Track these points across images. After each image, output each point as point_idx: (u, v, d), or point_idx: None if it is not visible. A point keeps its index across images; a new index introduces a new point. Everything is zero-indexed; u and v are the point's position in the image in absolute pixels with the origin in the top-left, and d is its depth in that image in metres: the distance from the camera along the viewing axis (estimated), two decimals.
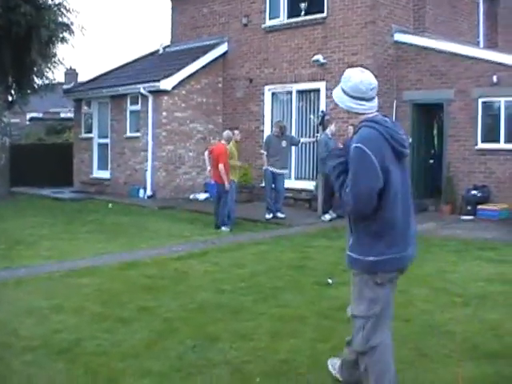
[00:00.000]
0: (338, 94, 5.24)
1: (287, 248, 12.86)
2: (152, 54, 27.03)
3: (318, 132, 18.55)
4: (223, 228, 15.45)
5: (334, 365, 5.68)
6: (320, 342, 6.80)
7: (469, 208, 17.29)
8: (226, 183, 15.33)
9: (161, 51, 26.36)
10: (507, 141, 17.60)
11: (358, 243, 4.90)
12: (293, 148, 19.59)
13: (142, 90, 21.75)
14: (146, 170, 21.95)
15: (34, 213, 18.43)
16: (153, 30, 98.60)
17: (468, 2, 23.25)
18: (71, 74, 44.94)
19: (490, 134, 17.97)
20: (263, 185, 18.56)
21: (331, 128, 17.11)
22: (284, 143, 17.29)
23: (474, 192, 17.49)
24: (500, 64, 17.68)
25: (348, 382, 5.44)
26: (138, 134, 22.53)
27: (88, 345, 6.67)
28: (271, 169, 17.32)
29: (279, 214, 17.26)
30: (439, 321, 7.59)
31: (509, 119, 17.64)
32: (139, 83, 22.13)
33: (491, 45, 23.98)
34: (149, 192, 21.76)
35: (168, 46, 26.07)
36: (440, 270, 10.64)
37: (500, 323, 7.50)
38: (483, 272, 10.42)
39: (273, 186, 17.42)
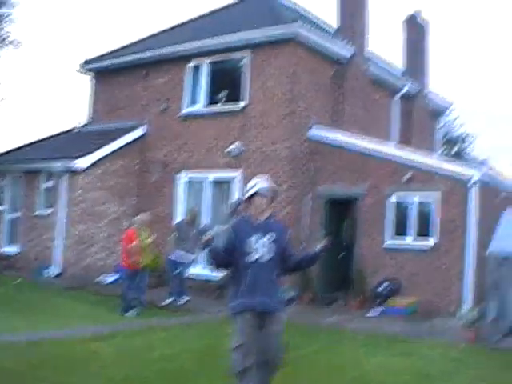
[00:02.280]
0: None
1: (195, 333, 12.77)
2: (69, 131, 26.83)
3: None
4: (130, 312, 15.27)
5: None
6: None
7: (378, 302, 17.45)
8: (135, 260, 15.32)
9: (78, 129, 26.24)
10: (417, 237, 17.98)
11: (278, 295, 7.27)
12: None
13: (57, 168, 21.51)
14: (56, 248, 21.54)
15: None
16: (73, 107, 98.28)
17: (384, 100, 24.02)
18: None
19: (401, 230, 18.32)
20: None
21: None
22: (194, 231, 17.28)
23: (383, 286, 17.69)
24: (412, 162, 18.19)
25: None
26: (50, 211, 22.13)
27: None
28: (173, 258, 17.32)
29: (182, 298, 17.22)
30: None
31: (419, 216, 18.05)
32: (54, 160, 21.88)
33: (405, 143, 24.63)
34: (58, 270, 21.30)
35: (86, 125, 25.98)
36: (349, 362, 10.69)
37: None
38: (391, 364, 10.51)
39: (177, 270, 17.36)
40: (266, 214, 7.23)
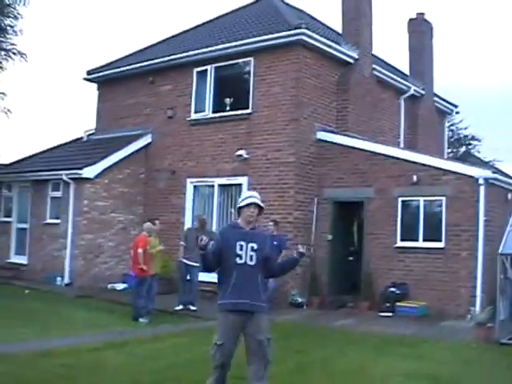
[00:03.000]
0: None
1: (205, 341, 12.69)
2: (76, 140, 26.94)
3: None
4: (141, 320, 15.25)
5: None
6: None
7: (387, 305, 17.40)
8: (145, 267, 15.29)
9: (85, 138, 26.31)
10: (425, 239, 17.92)
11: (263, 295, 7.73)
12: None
13: (64, 177, 21.58)
14: (65, 258, 21.59)
15: None
16: (79, 117, 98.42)
17: (390, 102, 23.99)
18: None
19: (409, 233, 18.28)
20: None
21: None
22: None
23: (392, 289, 17.66)
24: (419, 164, 18.15)
25: None
26: (57, 221, 22.22)
27: None
28: (185, 261, 17.27)
29: (191, 307, 17.17)
30: None
31: (427, 218, 18.01)
32: (62, 169, 21.98)
33: (411, 144, 24.64)
34: (67, 280, 21.36)
35: (92, 134, 26.05)
36: (360, 365, 10.68)
37: None
38: (402, 368, 10.47)
39: (188, 277, 17.33)
40: (252, 224, 7.79)
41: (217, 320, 7.66)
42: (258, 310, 7.61)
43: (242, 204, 7.84)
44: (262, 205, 7.86)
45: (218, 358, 7.44)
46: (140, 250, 15.34)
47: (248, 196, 7.94)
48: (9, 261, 24.31)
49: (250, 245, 7.59)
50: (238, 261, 7.55)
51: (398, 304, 17.34)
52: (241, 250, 7.57)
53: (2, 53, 22.69)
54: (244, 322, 7.50)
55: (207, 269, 7.90)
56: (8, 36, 22.84)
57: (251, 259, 7.58)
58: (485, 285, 16.62)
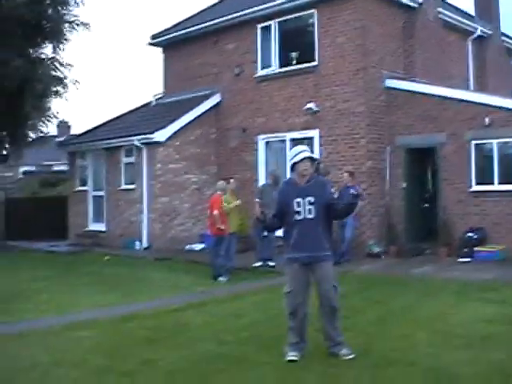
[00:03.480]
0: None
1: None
2: (145, 105, 27.17)
3: None
4: (220, 278, 15.39)
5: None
6: None
7: (466, 250, 17.26)
8: (223, 226, 15.40)
9: (154, 103, 26.53)
10: (501, 182, 17.67)
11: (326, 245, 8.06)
12: None
13: (136, 142, 21.86)
14: (142, 222, 21.94)
15: (30, 266, 18.39)
16: (146, 82, 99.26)
17: (457, 45, 23.57)
18: (64, 126, 45.22)
19: (484, 176, 18.05)
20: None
21: (329, 176, 17.11)
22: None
23: (470, 234, 17.51)
24: (491, 106, 17.84)
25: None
26: (132, 186, 22.55)
27: None
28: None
29: (269, 263, 17.24)
30: (444, 363, 7.54)
31: (502, 160, 17.74)
32: (133, 135, 22.25)
33: (481, 87, 24.24)
34: (145, 244, 21.74)
35: (161, 98, 26.25)
36: (441, 312, 10.62)
37: (506, 364, 7.47)
38: (484, 313, 10.39)
39: (265, 233, 17.41)
40: (307, 177, 8.12)
41: (285, 272, 8.31)
42: (321, 260, 7.99)
43: (295, 160, 8.13)
44: (315, 157, 8.32)
45: (291, 303, 7.99)
46: (216, 212, 15.43)
47: (300, 151, 8.22)
48: (87, 229, 24.80)
49: (307, 199, 7.96)
50: (297, 217, 7.99)
51: (476, 249, 17.20)
52: (298, 206, 7.98)
53: (66, 25, 22.86)
54: (309, 271, 8.02)
55: (272, 231, 8.77)
56: (70, 8, 23.01)
57: (310, 212, 7.97)
58: None
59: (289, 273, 8.14)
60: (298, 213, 7.97)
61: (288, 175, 20.50)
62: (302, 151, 8.20)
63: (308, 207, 7.94)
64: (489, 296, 11.93)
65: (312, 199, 7.94)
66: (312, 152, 8.44)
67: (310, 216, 7.95)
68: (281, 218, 8.20)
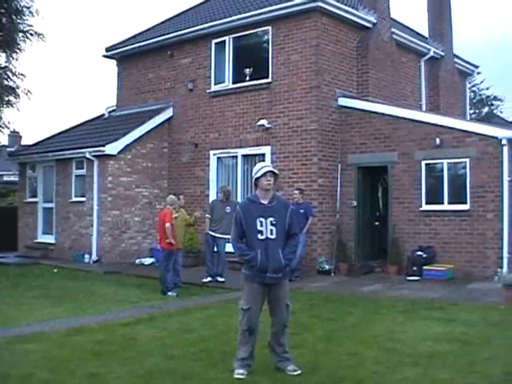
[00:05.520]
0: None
1: (234, 312, 12.76)
2: (97, 117, 27.02)
3: None
4: (169, 293, 15.35)
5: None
6: None
7: (415, 269, 17.42)
8: (173, 241, 15.37)
9: (106, 115, 26.37)
10: (451, 202, 17.86)
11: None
12: None
13: (88, 155, 21.70)
14: (92, 235, 21.76)
15: None
16: (99, 94, 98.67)
17: (410, 65, 23.88)
18: (15, 136, 44.87)
19: (434, 196, 18.23)
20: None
21: (281, 193, 17.20)
22: (228, 209, 17.19)
23: (419, 253, 17.66)
24: (442, 126, 18.04)
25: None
26: (83, 199, 22.38)
27: None
28: (212, 233, 17.36)
29: (219, 278, 17.25)
30: (390, 382, 7.59)
31: (452, 181, 17.94)
32: (85, 147, 22.08)
33: (433, 107, 24.57)
34: (94, 257, 21.55)
35: (113, 110, 26.10)
36: (389, 330, 10.69)
37: (451, 382, 7.55)
38: (431, 331, 10.49)
39: (215, 249, 17.42)
40: (270, 195, 8.20)
41: (242, 288, 8.26)
42: (280, 280, 8.08)
43: (258, 175, 8.17)
44: (276, 172, 8.35)
45: (246, 322, 8.03)
46: (168, 224, 15.37)
47: (262, 166, 8.30)
48: (37, 241, 24.58)
49: (269, 219, 8.02)
50: (260, 237, 8.00)
51: (425, 268, 17.36)
52: (261, 226, 8.01)
53: (20, 34, 22.70)
54: (267, 290, 8.08)
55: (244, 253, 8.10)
56: (24, 17, 22.85)
57: (271, 233, 8.01)
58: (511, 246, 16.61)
59: (247, 291, 8.12)
60: (261, 232, 8.00)
61: (239, 191, 20.68)
62: (265, 166, 8.32)
63: (270, 228, 8.01)
64: (436, 315, 12.05)
65: (273, 220, 8.03)
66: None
67: (272, 236, 8.00)
68: (243, 236, 8.15)
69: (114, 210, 21.69)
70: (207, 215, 17.79)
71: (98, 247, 21.64)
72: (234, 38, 21.59)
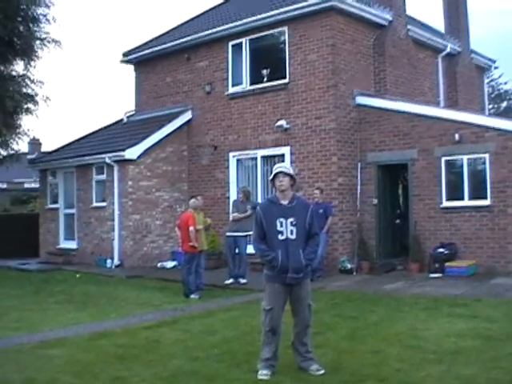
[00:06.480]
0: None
1: (257, 313, 12.78)
2: (116, 123, 27.09)
3: None
4: (192, 296, 15.38)
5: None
6: None
7: (437, 266, 17.35)
8: (196, 244, 15.40)
9: (125, 120, 26.43)
10: (471, 198, 17.82)
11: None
12: None
13: (108, 160, 21.78)
14: (113, 240, 21.86)
15: (0, 284, 18.23)
16: (118, 99, 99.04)
17: (428, 61, 23.80)
18: (35, 143, 45.17)
19: (454, 192, 18.18)
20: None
21: (301, 193, 17.20)
22: (249, 208, 17.25)
23: (441, 249, 17.60)
24: (461, 122, 18.00)
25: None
26: (104, 204, 22.49)
27: None
28: (232, 233, 17.39)
29: (241, 280, 17.27)
30: (414, 379, 7.58)
31: (472, 176, 17.89)
32: (104, 153, 22.17)
33: (451, 103, 24.48)
34: (116, 261, 21.64)
35: (132, 115, 26.17)
36: (411, 327, 10.66)
37: (475, 378, 7.53)
38: (454, 328, 10.45)
39: (236, 251, 17.44)
40: (289, 196, 8.26)
41: (264, 288, 8.34)
42: (301, 280, 8.12)
43: (271, 177, 8.36)
44: (289, 172, 8.35)
45: (269, 321, 8.06)
46: (192, 228, 15.42)
47: (275, 167, 8.41)
48: (59, 247, 24.70)
49: (289, 220, 8.06)
50: (280, 237, 8.03)
51: (447, 264, 17.29)
52: (281, 226, 8.04)
53: (37, 42, 22.78)
54: (288, 290, 8.12)
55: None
56: (41, 25, 22.94)
57: (291, 233, 8.03)
58: None
59: (269, 292, 8.17)
60: (281, 233, 8.03)
61: (259, 192, 20.70)
62: (277, 167, 8.38)
63: (290, 228, 8.03)
64: (459, 311, 12.00)
65: (294, 220, 8.06)
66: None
67: (292, 237, 8.02)
68: (264, 236, 8.17)
69: (134, 215, 21.76)
70: (235, 214, 17.74)
71: (119, 252, 21.72)
72: (250, 39, 21.63)
